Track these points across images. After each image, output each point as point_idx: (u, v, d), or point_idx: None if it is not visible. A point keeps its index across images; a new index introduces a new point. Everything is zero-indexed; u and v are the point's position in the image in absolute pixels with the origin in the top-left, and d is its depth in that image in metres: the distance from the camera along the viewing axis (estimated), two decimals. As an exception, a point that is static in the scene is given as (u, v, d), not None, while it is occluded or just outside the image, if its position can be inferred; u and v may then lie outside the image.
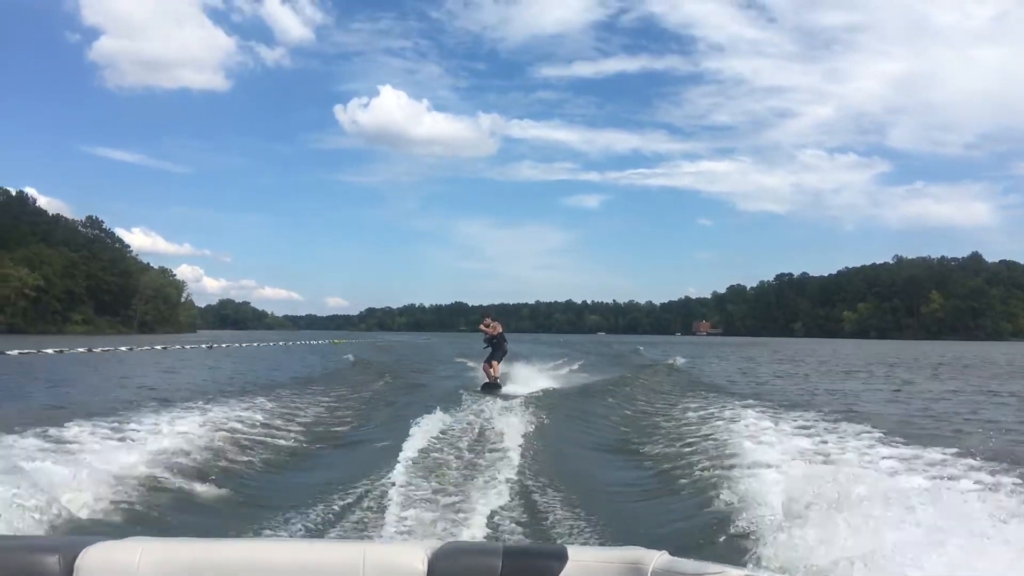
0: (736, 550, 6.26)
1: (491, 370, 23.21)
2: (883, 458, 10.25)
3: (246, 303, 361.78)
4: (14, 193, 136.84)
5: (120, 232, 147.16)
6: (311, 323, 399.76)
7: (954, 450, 10.67)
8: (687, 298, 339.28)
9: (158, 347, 64.65)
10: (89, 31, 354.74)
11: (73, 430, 11.83)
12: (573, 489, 8.82)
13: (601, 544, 6.45)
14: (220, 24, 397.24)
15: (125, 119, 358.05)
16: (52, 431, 11.53)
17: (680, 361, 43.14)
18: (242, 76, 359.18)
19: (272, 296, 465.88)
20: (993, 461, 9.89)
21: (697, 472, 9.89)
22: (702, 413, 16.32)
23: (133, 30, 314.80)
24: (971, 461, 9.81)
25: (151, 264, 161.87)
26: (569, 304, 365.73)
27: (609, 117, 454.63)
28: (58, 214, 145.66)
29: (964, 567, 4.81)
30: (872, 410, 18.67)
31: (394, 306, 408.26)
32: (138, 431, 12.09)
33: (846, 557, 5.07)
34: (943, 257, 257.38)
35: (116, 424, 12.79)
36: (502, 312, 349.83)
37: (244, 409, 16.21)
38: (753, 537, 6.52)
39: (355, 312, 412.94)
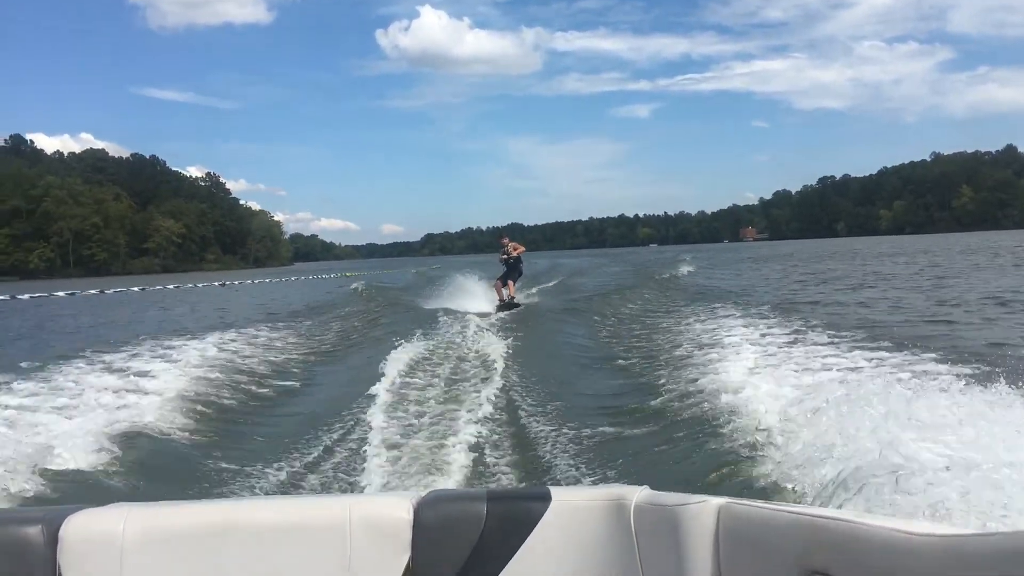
0: (725, 474, 6.09)
1: (506, 290, 23.05)
2: (870, 362, 9.79)
3: (314, 236, 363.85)
4: (147, 157, 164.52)
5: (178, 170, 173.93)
6: (371, 252, 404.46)
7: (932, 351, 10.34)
8: (734, 206, 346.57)
9: (263, 280, 73.31)
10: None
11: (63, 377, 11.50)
12: (557, 420, 8.52)
13: (586, 480, 6.50)
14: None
15: (171, 58, 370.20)
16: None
17: (685, 271, 40.39)
18: (283, 6, 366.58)
19: (328, 227, 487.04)
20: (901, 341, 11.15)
21: (686, 395, 9.14)
22: (699, 327, 15.08)
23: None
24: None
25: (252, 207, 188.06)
26: (622, 219, 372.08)
27: (656, 22, 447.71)
28: (179, 172, 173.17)
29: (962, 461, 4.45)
30: (853, 311, 18.43)
31: (452, 230, 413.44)
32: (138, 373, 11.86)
33: (837, 473, 4.86)
34: (977, 151, 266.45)
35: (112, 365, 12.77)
36: (556, 230, 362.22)
37: (233, 344, 16.06)
38: (742, 459, 6.25)
39: (415, 239, 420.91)
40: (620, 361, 12.87)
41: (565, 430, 8.17)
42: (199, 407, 10.17)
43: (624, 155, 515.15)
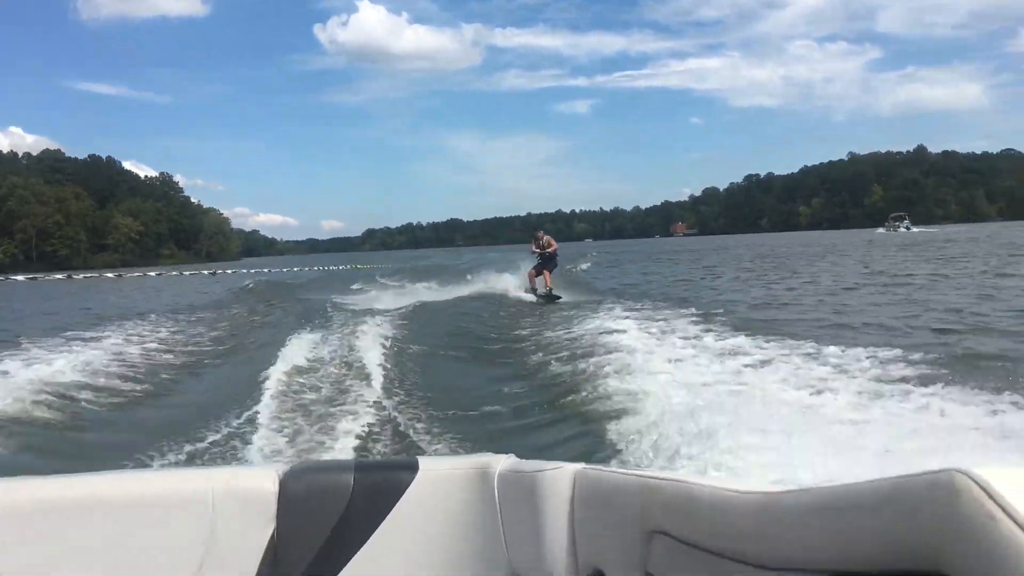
0: (589, 443, 6.64)
1: (541, 278, 23.11)
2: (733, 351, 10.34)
3: (255, 231, 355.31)
4: (104, 158, 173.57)
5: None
6: (313, 247, 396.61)
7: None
8: (667, 202, 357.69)
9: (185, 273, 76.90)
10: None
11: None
12: (440, 405, 8.63)
13: (461, 451, 6.43)
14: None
15: (104, 51, 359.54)
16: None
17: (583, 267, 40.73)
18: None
19: (267, 222, 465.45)
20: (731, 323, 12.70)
21: (565, 376, 9.75)
22: (584, 320, 14.94)
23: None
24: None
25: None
26: (559, 214, 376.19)
27: (593, 19, 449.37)
28: (132, 171, 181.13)
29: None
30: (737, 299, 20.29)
31: (392, 225, 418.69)
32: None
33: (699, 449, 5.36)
34: (890, 151, 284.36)
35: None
36: (495, 225, 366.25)
37: (128, 337, 16.07)
38: (606, 430, 6.83)
39: (355, 234, 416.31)
40: (501, 347, 13.66)
41: (446, 410, 8.33)
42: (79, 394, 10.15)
43: (563, 151, 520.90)
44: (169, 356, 14.26)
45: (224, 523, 2.12)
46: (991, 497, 0.85)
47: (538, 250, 23.79)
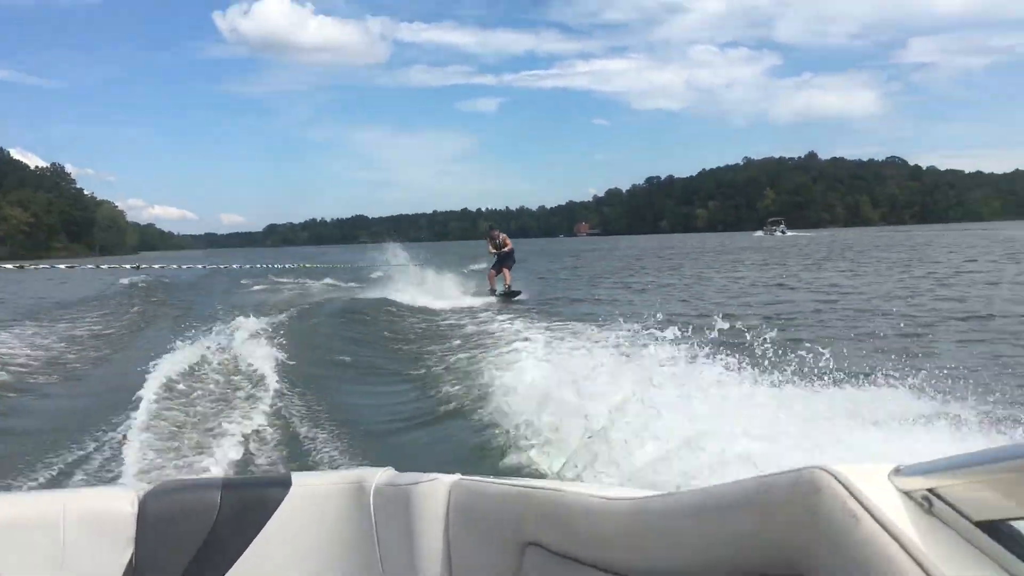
0: (471, 453, 6.61)
1: (501, 277, 23.17)
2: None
3: (151, 224, 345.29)
4: None
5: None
6: (211, 242, 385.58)
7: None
8: (571, 202, 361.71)
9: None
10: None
11: None
12: (325, 417, 8.32)
13: (343, 466, 6.19)
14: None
15: None
16: None
17: None
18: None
19: (163, 215, 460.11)
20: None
21: (454, 385, 9.55)
22: (475, 327, 14.98)
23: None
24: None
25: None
26: (464, 212, 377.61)
27: (502, 17, 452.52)
28: (20, 160, 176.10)
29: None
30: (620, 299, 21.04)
31: (295, 221, 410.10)
32: None
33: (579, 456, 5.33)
34: (782, 157, 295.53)
35: None
36: (400, 223, 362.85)
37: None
38: (486, 439, 6.85)
39: (256, 229, 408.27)
40: (394, 355, 13.25)
41: (331, 423, 8.05)
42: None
43: (470, 149, 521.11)
44: (33, 362, 13.19)
45: (77, 549, 1.99)
46: (853, 495, 0.86)
47: (495, 250, 23.85)
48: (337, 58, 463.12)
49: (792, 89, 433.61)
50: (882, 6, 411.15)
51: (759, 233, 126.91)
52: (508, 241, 23.97)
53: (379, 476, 2.16)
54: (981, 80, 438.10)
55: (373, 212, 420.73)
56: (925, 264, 34.15)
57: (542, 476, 5.19)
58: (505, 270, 23.34)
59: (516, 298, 21.99)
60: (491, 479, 1.88)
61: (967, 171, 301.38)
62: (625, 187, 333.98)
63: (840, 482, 0.86)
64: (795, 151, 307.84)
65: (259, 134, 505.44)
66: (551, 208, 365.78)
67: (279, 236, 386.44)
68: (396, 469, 2.26)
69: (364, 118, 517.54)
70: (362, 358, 13.31)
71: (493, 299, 22.15)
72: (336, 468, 6.08)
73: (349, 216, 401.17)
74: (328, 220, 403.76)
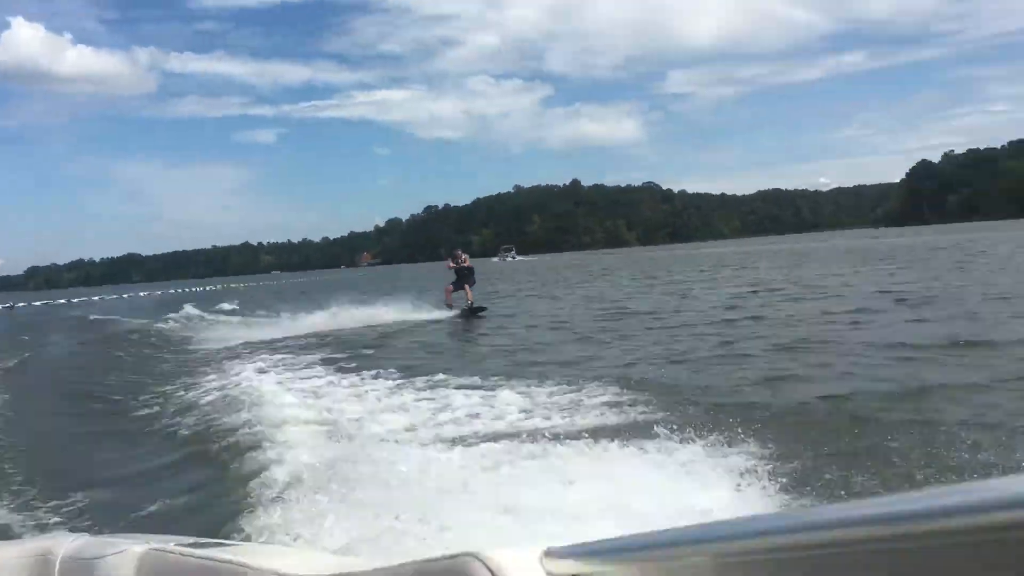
0: (226, 524, 5.50)
1: (463, 294, 23.40)
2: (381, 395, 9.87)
3: None
4: None
5: None
6: None
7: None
8: (352, 233, 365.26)
9: None
10: None
11: None
12: (34, 472, 7.67)
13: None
14: None
15: None
16: None
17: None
18: None
19: None
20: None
21: (196, 435, 8.75)
22: (216, 371, 13.93)
23: None
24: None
25: None
26: (245, 246, 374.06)
27: (277, 48, 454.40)
28: None
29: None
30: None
31: (60, 262, 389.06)
32: None
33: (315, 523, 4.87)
34: (549, 184, 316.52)
35: None
36: (175, 260, 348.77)
37: None
38: (254, 508, 5.74)
39: (16, 271, 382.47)
40: (125, 401, 12.13)
41: (34, 478, 7.42)
42: None
43: (250, 181, 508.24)
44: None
45: None
46: None
47: (454, 264, 24.06)
48: (100, 89, 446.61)
49: (563, 118, 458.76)
50: (642, 40, 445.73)
51: (495, 259, 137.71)
52: (467, 259, 24.35)
53: (68, 545, 1.78)
54: (730, 109, 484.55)
55: (147, 249, 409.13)
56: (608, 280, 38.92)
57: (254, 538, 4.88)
58: (467, 287, 23.65)
59: (480, 314, 22.61)
60: (190, 546, 1.65)
61: (714, 193, 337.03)
62: (405, 216, 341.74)
63: (490, 569, 0.87)
64: (564, 178, 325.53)
65: (12, 169, 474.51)
66: (334, 239, 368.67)
67: (41, 278, 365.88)
68: (94, 533, 1.95)
69: (132, 151, 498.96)
70: (95, 404, 12.34)
71: (449, 314, 22.99)
72: (21, 537, 5.47)
73: (121, 255, 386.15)
74: (97, 260, 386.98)
